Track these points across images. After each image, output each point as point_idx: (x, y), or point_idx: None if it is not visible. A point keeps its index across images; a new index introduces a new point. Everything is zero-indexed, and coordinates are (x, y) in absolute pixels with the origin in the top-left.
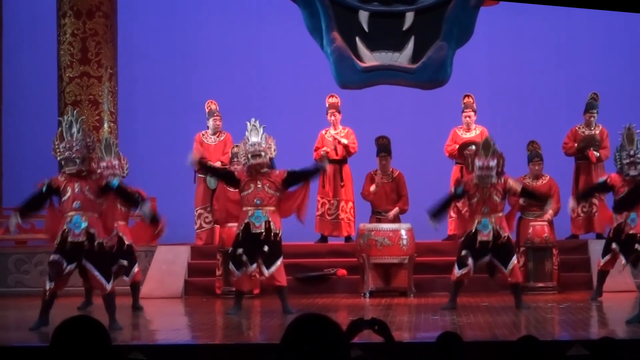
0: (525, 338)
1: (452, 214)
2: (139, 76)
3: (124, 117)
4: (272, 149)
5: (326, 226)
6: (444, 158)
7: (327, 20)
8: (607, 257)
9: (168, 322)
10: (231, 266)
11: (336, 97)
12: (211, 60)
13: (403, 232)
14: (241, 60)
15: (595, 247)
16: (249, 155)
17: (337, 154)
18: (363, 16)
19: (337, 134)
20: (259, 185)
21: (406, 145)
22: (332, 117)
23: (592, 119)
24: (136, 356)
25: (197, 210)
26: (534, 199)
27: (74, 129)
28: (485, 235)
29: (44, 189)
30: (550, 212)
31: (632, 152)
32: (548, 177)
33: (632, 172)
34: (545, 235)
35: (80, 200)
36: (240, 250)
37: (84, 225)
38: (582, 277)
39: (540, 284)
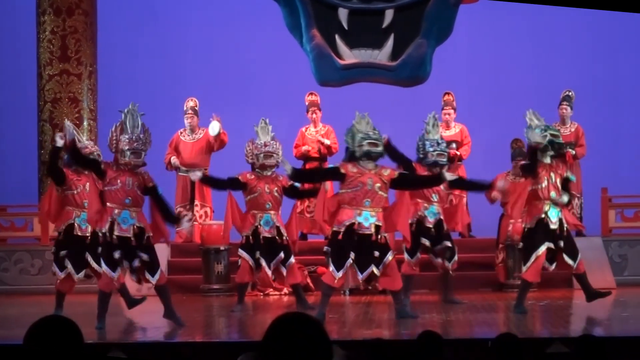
0: (504, 335)
1: None
2: (118, 74)
3: (104, 114)
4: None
5: (305, 224)
6: None
7: (306, 17)
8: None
9: (148, 320)
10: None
11: (316, 95)
12: (191, 57)
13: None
14: (221, 58)
15: None
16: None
17: (319, 154)
18: (342, 14)
19: (317, 132)
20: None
21: None
22: (314, 115)
23: (565, 112)
24: (116, 354)
25: (176, 208)
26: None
27: (138, 122)
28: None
29: (93, 157)
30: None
31: (440, 141)
32: None
33: (442, 161)
34: None
35: (131, 197)
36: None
37: (132, 221)
38: (562, 275)
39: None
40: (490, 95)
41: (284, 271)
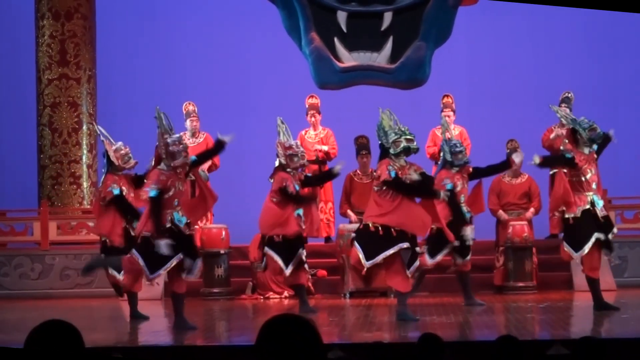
0: (505, 338)
1: None
2: (117, 78)
3: (103, 118)
4: None
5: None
6: (424, 158)
7: (305, 20)
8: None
9: (148, 324)
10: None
11: (316, 98)
12: (190, 61)
13: None
14: (220, 61)
15: None
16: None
17: (316, 159)
18: (341, 16)
19: (316, 135)
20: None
21: None
22: (313, 119)
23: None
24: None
25: None
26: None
27: (170, 122)
28: None
29: (156, 194)
30: (532, 210)
31: (452, 143)
32: (527, 175)
33: (457, 162)
34: (525, 235)
35: (178, 198)
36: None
37: (184, 220)
38: (562, 277)
39: (520, 284)
40: (490, 98)
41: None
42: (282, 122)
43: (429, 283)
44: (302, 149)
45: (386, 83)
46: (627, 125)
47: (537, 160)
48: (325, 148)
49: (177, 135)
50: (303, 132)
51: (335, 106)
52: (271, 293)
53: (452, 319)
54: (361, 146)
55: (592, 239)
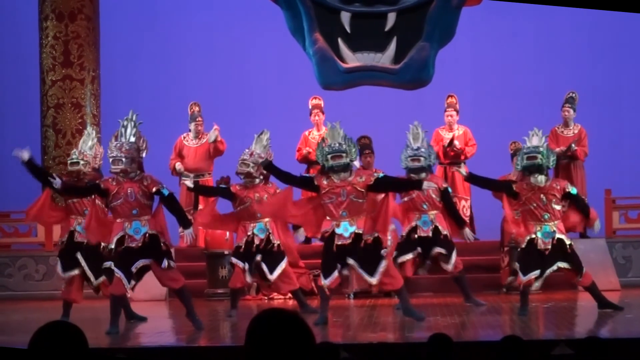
0: (509, 338)
1: None
2: (121, 79)
3: (107, 120)
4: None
5: None
6: None
7: (309, 21)
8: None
9: (152, 325)
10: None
11: (319, 99)
12: (194, 62)
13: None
14: (224, 62)
15: (578, 247)
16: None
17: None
18: (345, 17)
19: (320, 135)
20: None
21: (389, 146)
22: (316, 117)
23: (567, 114)
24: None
25: None
26: None
27: (129, 131)
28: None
29: (88, 183)
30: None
31: (415, 147)
32: None
33: (412, 165)
34: None
35: (137, 207)
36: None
37: (144, 230)
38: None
39: None
40: (493, 98)
41: (276, 277)
42: (262, 134)
43: (433, 283)
44: (245, 156)
45: (390, 83)
46: (630, 125)
47: (463, 172)
48: None
49: (119, 143)
50: (307, 133)
51: (338, 107)
52: (275, 294)
53: (456, 319)
54: (364, 146)
55: (531, 275)
